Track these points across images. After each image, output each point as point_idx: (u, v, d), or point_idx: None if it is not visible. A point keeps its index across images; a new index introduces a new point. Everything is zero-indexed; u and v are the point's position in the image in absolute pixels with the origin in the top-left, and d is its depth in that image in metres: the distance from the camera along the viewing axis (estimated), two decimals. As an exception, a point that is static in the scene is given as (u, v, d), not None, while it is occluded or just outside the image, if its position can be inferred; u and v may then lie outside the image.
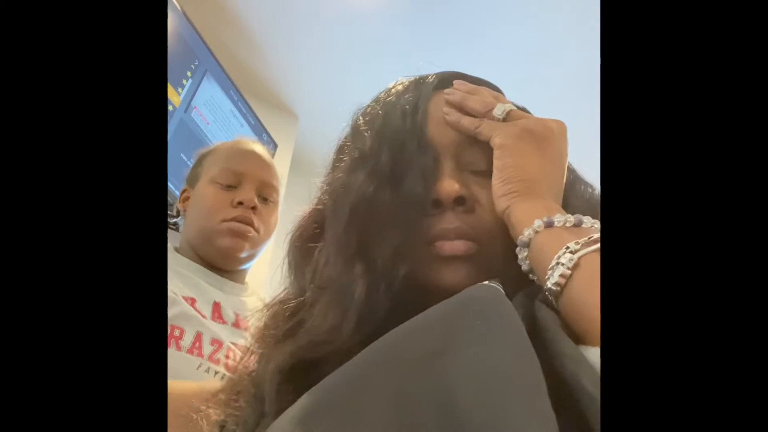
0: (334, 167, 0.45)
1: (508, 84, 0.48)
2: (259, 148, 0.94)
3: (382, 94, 0.46)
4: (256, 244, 0.87)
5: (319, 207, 0.45)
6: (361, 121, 0.45)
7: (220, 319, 0.80)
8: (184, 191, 0.94)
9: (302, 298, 0.40)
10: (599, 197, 0.44)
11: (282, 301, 0.43)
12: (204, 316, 0.77)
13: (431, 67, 0.48)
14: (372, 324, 0.34)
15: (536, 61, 1.98)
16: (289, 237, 0.45)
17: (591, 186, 0.46)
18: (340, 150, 0.46)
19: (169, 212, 1.40)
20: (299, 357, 0.34)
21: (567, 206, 0.39)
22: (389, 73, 0.48)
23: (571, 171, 0.44)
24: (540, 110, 0.42)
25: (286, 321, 0.40)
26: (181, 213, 0.93)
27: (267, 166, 0.92)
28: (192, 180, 0.93)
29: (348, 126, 0.46)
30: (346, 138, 0.46)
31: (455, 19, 1.87)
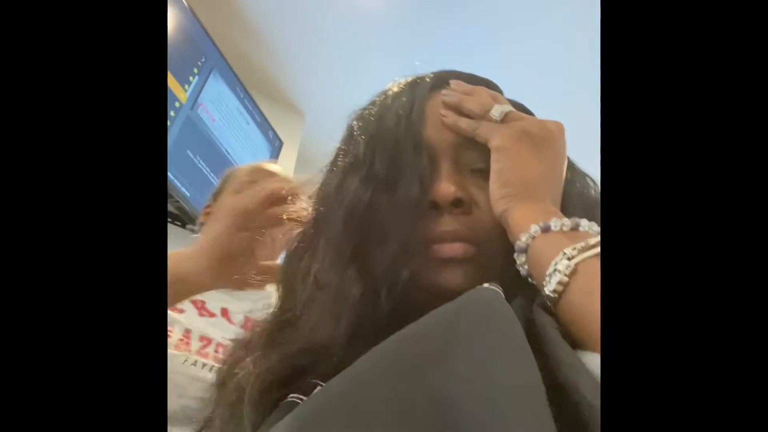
0: (330, 172, 0.45)
1: (509, 82, 0.48)
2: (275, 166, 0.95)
3: (379, 97, 0.46)
4: None
5: (311, 212, 0.44)
6: (356, 126, 0.45)
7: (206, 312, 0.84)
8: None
9: (294, 304, 0.40)
10: (598, 195, 0.44)
11: (273, 306, 0.42)
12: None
13: (429, 66, 0.47)
14: (368, 329, 0.34)
15: (538, 60, 1.97)
16: None
17: (591, 182, 0.45)
18: (336, 155, 0.46)
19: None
20: (287, 364, 0.34)
21: (565, 207, 0.39)
22: (396, 71, 0.48)
23: (570, 168, 0.44)
24: (543, 109, 0.42)
25: (275, 326, 0.39)
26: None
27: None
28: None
29: (345, 130, 0.46)
30: (342, 142, 0.46)
31: (463, 18, 1.87)
